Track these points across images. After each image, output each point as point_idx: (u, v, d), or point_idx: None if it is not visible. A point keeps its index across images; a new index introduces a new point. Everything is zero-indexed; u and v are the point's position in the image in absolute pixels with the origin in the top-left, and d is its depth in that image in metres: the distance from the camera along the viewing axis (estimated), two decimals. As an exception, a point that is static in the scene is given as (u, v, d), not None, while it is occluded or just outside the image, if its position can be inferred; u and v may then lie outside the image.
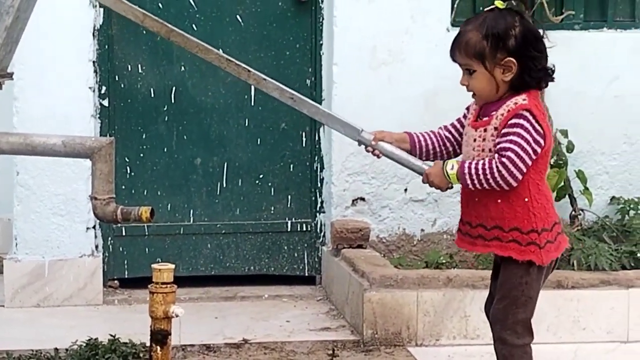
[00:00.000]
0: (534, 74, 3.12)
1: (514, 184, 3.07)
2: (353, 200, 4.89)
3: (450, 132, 3.31)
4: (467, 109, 3.29)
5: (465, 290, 4.20)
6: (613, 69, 4.98)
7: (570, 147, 4.87)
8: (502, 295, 3.18)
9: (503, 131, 3.08)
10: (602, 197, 5.00)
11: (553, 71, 3.18)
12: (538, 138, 3.08)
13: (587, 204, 4.89)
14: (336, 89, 4.80)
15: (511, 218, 3.11)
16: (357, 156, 4.85)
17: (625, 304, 4.26)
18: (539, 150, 3.09)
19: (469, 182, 3.10)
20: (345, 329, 4.35)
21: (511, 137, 3.06)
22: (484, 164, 3.08)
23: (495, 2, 3.15)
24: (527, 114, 3.07)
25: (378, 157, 3.32)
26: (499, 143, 3.07)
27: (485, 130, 3.13)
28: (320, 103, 4.89)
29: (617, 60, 4.98)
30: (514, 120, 3.07)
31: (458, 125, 3.30)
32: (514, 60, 3.10)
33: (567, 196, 4.88)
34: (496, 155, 3.07)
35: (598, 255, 4.39)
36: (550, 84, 4.77)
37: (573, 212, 4.89)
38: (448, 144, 3.31)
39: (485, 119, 3.15)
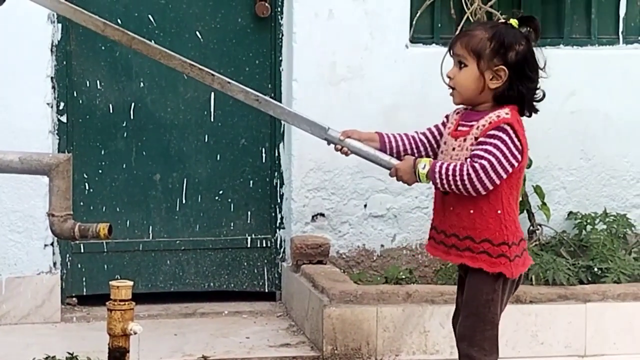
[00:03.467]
0: (518, 93, 3.15)
1: (482, 191, 3.08)
2: (313, 216, 4.89)
3: (426, 137, 3.31)
4: (447, 117, 3.30)
5: (424, 305, 4.22)
6: (569, 85, 5.03)
7: (528, 163, 4.90)
8: (469, 312, 3.19)
9: (480, 140, 3.10)
10: (559, 212, 5.04)
11: (541, 99, 3.20)
12: (516, 153, 3.11)
13: (544, 219, 4.93)
14: (296, 105, 4.80)
15: (483, 229, 3.13)
16: (316, 172, 4.87)
17: (582, 318, 4.30)
18: (515, 164, 3.11)
19: (437, 182, 3.11)
20: (305, 344, 4.34)
21: (487, 147, 3.08)
22: (454, 167, 3.09)
23: (511, 20, 3.20)
24: (508, 128, 3.11)
25: (346, 154, 3.31)
26: (473, 150, 3.10)
27: (464, 140, 3.15)
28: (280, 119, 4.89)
29: (574, 77, 5.04)
30: (493, 132, 3.10)
31: (435, 132, 3.30)
32: (506, 71, 3.13)
33: (525, 211, 4.91)
34: (468, 160, 3.08)
35: (556, 270, 4.44)
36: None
37: (531, 227, 4.93)
38: (421, 147, 3.30)
39: (464, 129, 3.17)
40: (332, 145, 3.33)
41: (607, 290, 4.35)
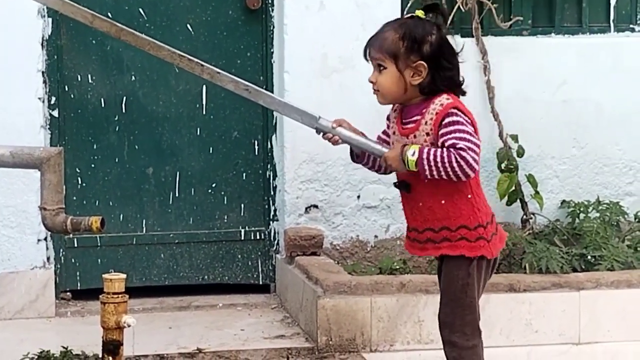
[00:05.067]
0: (442, 82, 3.17)
1: (472, 175, 3.10)
2: (306, 208, 4.89)
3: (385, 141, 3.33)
4: (388, 118, 3.33)
5: (418, 295, 4.22)
6: (561, 74, 5.04)
7: (521, 152, 4.92)
8: (447, 299, 3.22)
9: (442, 131, 3.11)
10: (552, 200, 5.05)
11: (462, 82, 3.21)
12: (474, 132, 3.14)
13: (538, 208, 4.94)
14: (288, 97, 4.79)
15: (457, 216, 3.15)
16: (309, 164, 4.86)
17: (576, 306, 4.31)
18: (479, 143, 3.13)
19: (426, 169, 3.10)
20: (299, 336, 4.35)
21: (455, 134, 3.09)
22: (442, 155, 3.08)
23: (417, 12, 3.21)
24: (457, 111, 3.13)
25: (336, 143, 3.32)
26: (444, 142, 3.10)
27: (415, 136, 3.16)
28: (272, 111, 4.89)
29: (565, 65, 5.04)
30: (448, 119, 3.11)
31: (385, 137, 3.33)
32: (425, 65, 3.15)
33: (518, 200, 4.93)
34: (452, 149, 3.08)
35: (549, 258, 4.44)
36: (500, 89, 4.94)
37: (524, 216, 4.94)
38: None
39: (410, 125, 3.18)
40: (323, 135, 3.33)
41: (601, 278, 4.36)
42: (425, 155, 3.11)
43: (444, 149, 3.09)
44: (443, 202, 3.15)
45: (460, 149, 3.06)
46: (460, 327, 3.20)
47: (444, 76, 3.18)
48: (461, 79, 3.24)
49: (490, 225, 3.20)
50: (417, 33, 3.16)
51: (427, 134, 3.13)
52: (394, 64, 3.16)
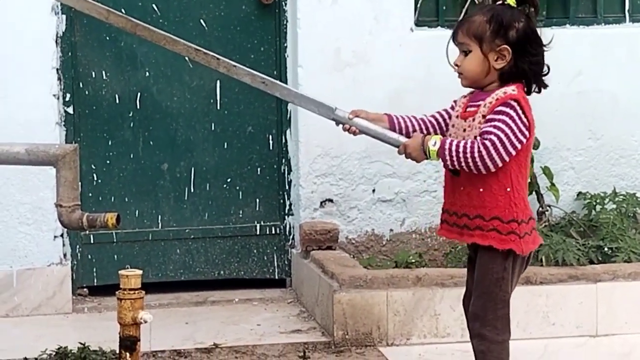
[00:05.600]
0: (524, 70, 3.18)
1: (492, 168, 3.08)
2: (321, 202, 4.89)
3: (435, 119, 3.33)
4: (455, 102, 3.33)
5: (434, 289, 4.21)
6: (576, 65, 5.01)
7: (536, 144, 4.88)
8: (480, 292, 3.20)
9: (488, 117, 3.11)
10: (568, 192, 5.03)
11: (546, 73, 3.22)
12: (523, 129, 3.12)
13: (554, 200, 4.92)
14: (301, 91, 4.74)
15: (492, 207, 3.14)
16: (324, 158, 4.86)
17: (593, 298, 4.29)
18: (523, 140, 3.13)
19: (447, 159, 3.11)
20: (316, 330, 4.35)
21: (496, 123, 3.09)
22: (465, 144, 3.09)
23: (508, 0, 3.20)
24: (515, 104, 3.13)
25: (354, 134, 3.30)
26: (482, 128, 3.11)
27: (473, 120, 3.17)
28: (286, 105, 4.89)
29: (580, 56, 5.02)
30: (500, 108, 3.11)
31: (445, 115, 3.33)
32: (509, 50, 3.15)
33: (534, 192, 4.90)
34: (478, 138, 3.09)
35: (566, 250, 4.42)
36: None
37: (540, 209, 4.92)
38: (430, 129, 3.32)
39: (473, 109, 3.19)
40: (340, 127, 3.32)
41: (618, 270, 4.34)
42: (447, 146, 3.11)
43: (469, 140, 3.09)
44: (481, 190, 3.15)
45: (488, 139, 3.06)
46: (492, 321, 3.18)
47: (525, 64, 3.18)
48: (545, 69, 3.24)
49: (525, 224, 3.18)
50: (505, 17, 3.17)
51: (483, 116, 3.14)
52: (479, 47, 3.16)
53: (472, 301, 3.23)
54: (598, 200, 4.90)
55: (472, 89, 3.27)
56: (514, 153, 3.09)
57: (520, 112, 3.12)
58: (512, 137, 3.08)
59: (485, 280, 3.18)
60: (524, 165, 3.20)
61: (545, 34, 3.29)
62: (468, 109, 3.22)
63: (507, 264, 3.17)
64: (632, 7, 5.13)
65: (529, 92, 3.23)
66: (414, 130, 3.30)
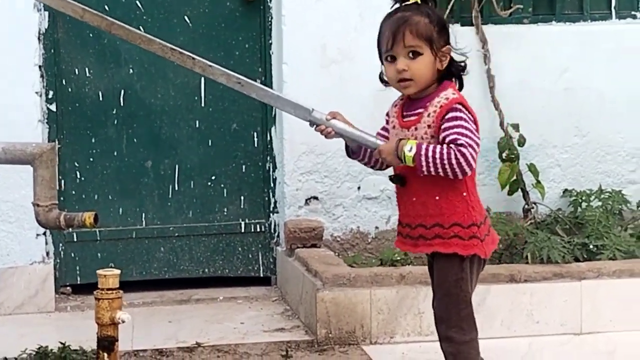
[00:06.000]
0: (456, 68, 3.16)
1: (469, 172, 3.05)
2: (306, 200, 4.87)
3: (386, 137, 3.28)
4: (387, 114, 3.28)
5: (418, 287, 4.19)
6: (562, 61, 5.00)
7: (522, 141, 4.88)
8: (442, 294, 3.18)
9: (444, 126, 3.06)
10: (554, 190, 5.02)
11: (465, 71, 3.20)
12: (475, 130, 3.09)
13: (539, 197, 4.91)
14: (286, 89, 4.77)
15: (451, 213, 3.11)
16: (309, 155, 4.84)
17: (578, 296, 4.27)
18: (479, 141, 3.09)
19: (424, 165, 3.04)
20: (299, 329, 4.33)
21: (457, 130, 3.04)
22: (441, 150, 3.03)
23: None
24: (461, 107, 3.08)
25: (329, 135, 3.24)
26: (445, 137, 3.05)
27: (416, 129, 3.12)
28: (271, 103, 4.86)
29: (567, 53, 5.01)
30: (451, 114, 3.06)
31: (385, 133, 3.28)
32: (450, 49, 3.13)
33: (519, 190, 4.90)
34: (452, 145, 3.03)
35: (551, 248, 4.41)
36: (501, 78, 4.91)
37: (526, 206, 4.91)
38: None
39: (412, 118, 3.14)
40: (316, 127, 3.28)
41: (603, 268, 4.33)
42: (423, 152, 3.05)
43: (444, 146, 3.05)
44: (437, 198, 3.10)
45: (461, 145, 3.02)
46: (457, 322, 3.16)
47: (456, 61, 3.16)
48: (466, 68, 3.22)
49: (483, 225, 3.15)
50: (441, 17, 3.14)
51: (429, 126, 3.08)
52: (429, 49, 3.10)
53: (435, 304, 3.21)
54: (584, 198, 4.88)
55: (400, 97, 3.22)
56: (477, 153, 3.07)
57: (468, 114, 3.09)
58: (475, 138, 3.05)
59: (445, 283, 3.15)
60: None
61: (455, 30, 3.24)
62: (405, 119, 3.16)
63: (464, 264, 3.14)
64: (618, 4, 5.12)
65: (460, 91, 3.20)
66: (370, 155, 3.26)
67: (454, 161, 3.02)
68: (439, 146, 3.05)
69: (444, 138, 3.05)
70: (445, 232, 3.11)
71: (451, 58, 3.15)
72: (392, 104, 3.28)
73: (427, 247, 3.17)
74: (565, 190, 5.02)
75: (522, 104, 4.96)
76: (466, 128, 3.05)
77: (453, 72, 3.16)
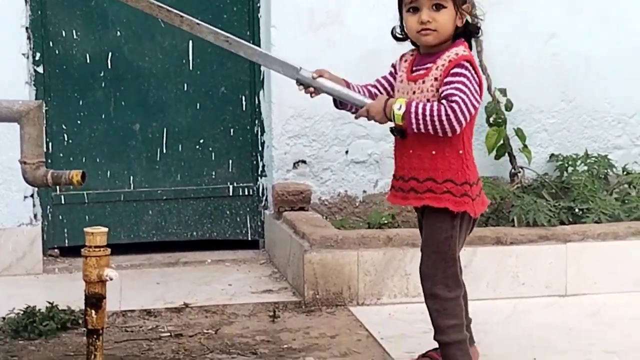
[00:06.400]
0: (472, 26, 3.19)
1: (458, 130, 3.07)
2: (294, 163, 4.88)
3: (383, 86, 3.30)
4: (393, 66, 3.29)
5: (405, 249, 4.22)
6: (550, 27, 5.01)
7: (509, 106, 4.90)
8: (430, 251, 3.20)
9: (446, 80, 3.08)
10: (541, 154, 5.04)
11: (479, 34, 3.22)
12: (478, 89, 3.12)
13: (526, 162, 4.93)
14: (275, 52, 4.76)
15: (445, 169, 3.13)
16: (297, 119, 4.84)
17: (563, 258, 4.31)
18: (480, 100, 3.12)
19: (413, 123, 3.07)
20: (287, 290, 4.35)
21: (456, 85, 3.06)
22: (432, 107, 3.05)
23: None
24: (469, 65, 3.11)
25: (312, 94, 3.26)
26: (443, 91, 3.07)
27: (423, 82, 3.13)
28: (259, 66, 4.86)
29: (554, 19, 5.01)
30: (456, 70, 3.08)
31: (385, 82, 3.29)
32: (470, 6, 3.16)
33: (506, 154, 4.92)
34: (444, 101, 3.05)
35: (536, 211, 4.44)
36: (489, 42, 4.92)
37: (512, 170, 4.93)
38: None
39: (421, 72, 3.16)
40: (303, 87, 3.28)
41: (588, 230, 4.36)
42: (413, 109, 3.07)
43: (434, 103, 3.07)
44: (433, 152, 3.13)
45: (454, 101, 3.03)
46: (443, 280, 3.19)
47: (474, 21, 3.18)
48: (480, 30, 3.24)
49: (475, 185, 3.18)
50: None
51: (435, 79, 3.10)
52: (452, 3, 3.13)
53: (421, 260, 3.23)
54: (570, 162, 4.91)
55: (410, 53, 3.24)
56: (473, 113, 3.08)
57: (473, 72, 3.11)
58: (472, 98, 3.07)
59: (434, 240, 3.18)
60: (471, 127, 3.19)
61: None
62: (414, 72, 3.18)
63: (455, 222, 3.17)
64: (606, -31, 5.12)
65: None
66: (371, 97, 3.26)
67: (443, 117, 3.03)
68: (429, 104, 3.06)
69: (442, 93, 3.07)
70: (438, 187, 3.13)
71: (469, 19, 3.18)
72: (400, 58, 3.28)
73: (417, 201, 3.19)
74: (552, 155, 5.04)
75: (509, 69, 4.97)
76: (466, 86, 3.06)
77: (467, 32, 3.18)
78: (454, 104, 3.03)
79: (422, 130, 3.08)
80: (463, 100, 3.04)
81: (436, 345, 3.33)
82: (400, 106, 3.09)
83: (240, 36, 4.77)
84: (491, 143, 4.84)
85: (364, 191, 4.96)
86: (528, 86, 4.99)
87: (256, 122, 4.95)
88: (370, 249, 4.22)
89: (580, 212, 4.53)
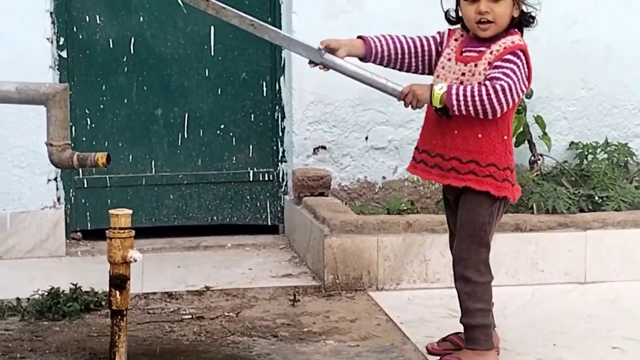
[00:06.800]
0: (528, 18, 3.23)
1: (499, 113, 3.10)
2: (314, 149, 4.91)
3: (414, 43, 3.29)
4: (440, 35, 3.29)
5: (424, 234, 4.24)
6: (571, 14, 5.00)
7: (529, 93, 4.90)
8: (465, 234, 3.22)
9: (495, 64, 3.11)
10: (560, 142, 5.05)
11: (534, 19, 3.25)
12: (526, 79, 3.15)
13: (546, 149, 4.94)
14: (296, 37, 4.77)
15: (490, 153, 3.16)
16: (317, 105, 4.87)
17: (582, 245, 4.32)
18: (525, 90, 3.16)
19: (454, 103, 3.09)
20: (307, 275, 4.38)
21: (504, 70, 3.09)
22: (472, 89, 3.08)
23: None
24: (522, 54, 3.15)
25: (325, 69, 3.26)
26: (489, 74, 3.10)
27: (475, 65, 3.15)
28: (280, 52, 4.89)
29: (575, 6, 5.01)
30: (509, 57, 3.12)
31: (425, 43, 3.28)
32: None
33: (526, 142, 4.93)
34: (487, 82, 3.08)
35: (556, 198, 4.45)
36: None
37: (532, 157, 4.94)
38: (406, 52, 3.28)
39: (472, 54, 3.17)
40: (331, 72, 3.30)
41: (607, 218, 4.37)
42: (454, 90, 3.09)
43: (475, 85, 3.09)
44: (480, 135, 3.15)
45: (499, 85, 3.06)
46: (476, 264, 3.22)
47: (527, 13, 3.21)
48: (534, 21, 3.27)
49: (513, 172, 3.24)
50: None
51: (489, 63, 3.13)
52: None
53: (455, 244, 3.26)
54: (590, 150, 4.92)
55: (460, 32, 3.26)
56: (517, 101, 3.12)
57: (524, 62, 3.15)
58: (518, 86, 3.10)
59: (471, 224, 3.20)
60: (513, 114, 3.23)
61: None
62: (466, 54, 3.19)
63: (493, 208, 3.20)
64: (627, -43, 5.11)
65: None
66: (389, 54, 3.26)
67: (485, 98, 3.05)
68: (469, 86, 3.08)
69: (488, 74, 3.10)
70: (481, 170, 3.17)
71: (524, 10, 3.20)
72: (448, 32, 3.27)
73: (458, 181, 3.20)
74: (572, 143, 5.05)
75: (530, 56, 4.96)
76: (514, 72, 3.09)
77: (522, 22, 3.20)
78: (497, 86, 3.07)
79: (463, 111, 3.10)
80: (508, 84, 3.07)
81: (456, 329, 3.36)
82: (442, 87, 3.12)
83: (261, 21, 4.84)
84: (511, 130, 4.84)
85: (384, 177, 4.98)
86: (548, 74, 4.98)
87: (277, 107, 4.98)
88: (390, 234, 4.24)
89: (600, 200, 4.54)
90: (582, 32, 5.02)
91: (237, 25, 3.27)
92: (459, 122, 3.18)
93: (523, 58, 3.13)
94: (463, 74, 3.17)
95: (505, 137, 3.18)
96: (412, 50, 3.29)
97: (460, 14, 3.26)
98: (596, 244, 4.33)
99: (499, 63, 3.11)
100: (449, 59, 3.23)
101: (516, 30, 3.21)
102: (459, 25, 3.30)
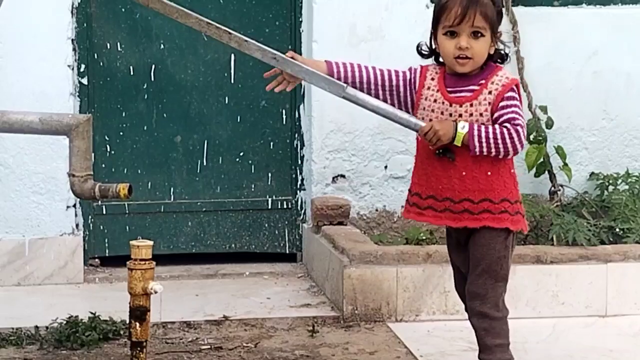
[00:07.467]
0: (501, 54, 3.24)
1: (519, 151, 3.17)
2: (333, 178, 4.90)
3: (382, 76, 3.27)
4: (411, 70, 3.28)
5: (444, 265, 4.21)
6: (592, 45, 4.99)
7: (550, 123, 4.89)
8: (481, 270, 3.20)
9: (502, 104, 3.14)
10: (581, 172, 5.02)
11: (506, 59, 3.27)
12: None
13: (566, 180, 4.92)
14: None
15: (501, 189, 3.17)
16: (337, 133, 4.86)
17: (603, 278, 4.29)
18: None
19: (476, 145, 3.11)
20: (325, 305, 4.36)
21: (514, 109, 3.14)
22: (494, 130, 3.11)
23: None
24: (516, 89, 3.18)
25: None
26: (502, 115, 3.13)
27: (471, 105, 3.15)
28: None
29: (596, 36, 5.00)
30: (511, 94, 3.15)
31: (397, 78, 3.27)
32: (500, 34, 3.22)
33: (546, 172, 4.91)
34: (507, 124, 3.11)
35: (577, 230, 4.42)
36: (530, 60, 4.92)
37: (552, 188, 4.92)
38: (372, 83, 3.26)
39: (465, 94, 3.16)
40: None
41: (629, 251, 4.34)
42: (476, 132, 3.11)
43: (496, 125, 3.12)
44: (489, 173, 3.16)
45: (518, 124, 3.12)
46: (493, 299, 3.20)
47: (501, 49, 3.24)
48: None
49: (522, 203, 3.27)
50: (499, 4, 3.22)
51: (489, 103, 3.14)
52: (490, 32, 3.17)
53: (470, 280, 3.24)
54: (611, 181, 4.89)
55: (434, 68, 3.24)
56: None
57: (519, 97, 3.19)
58: (524, 121, 3.17)
59: (486, 259, 3.19)
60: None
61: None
62: (454, 94, 3.18)
63: (507, 242, 3.19)
64: (649, -12, 5.11)
65: None
66: (353, 80, 3.24)
67: (507, 140, 3.10)
68: (490, 126, 3.10)
69: (501, 116, 3.13)
70: (495, 207, 3.16)
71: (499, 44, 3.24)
72: (420, 70, 3.26)
73: (474, 222, 3.18)
74: (592, 174, 5.02)
75: (550, 87, 4.97)
76: (520, 109, 3.15)
77: (497, 59, 3.22)
78: (518, 127, 3.12)
79: (485, 152, 3.12)
80: (522, 123, 3.14)
81: (477, 364, 3.34)
82: (464, 126, 3.12)
83: (281, 50, 4.80)
84: (531, 160, 4.83)
85: (402, 207, 4.93)
86: (569, 104, 4.98)
87: (296, 135, 4.97)
88: (410, 265, 4.22)
89: (621, 232, 4.51)
90: (603, 63, 5.01)
91: (259, 58, 3.28)
92: (466, 163, 3.17)
93: (517, 92, 3.18)
94: (460, 115, 3.16)
95: (513, 171, 3.23)
96: (379, 82, 3.26)
97: (434, 48, 3.25)
98: (617, 276, 4.29)
99: (505, 102, 3.14)
100: (435, 100, 3.21)
101: (499, 64, 3.23)
102: (430, 60, 3.30)
